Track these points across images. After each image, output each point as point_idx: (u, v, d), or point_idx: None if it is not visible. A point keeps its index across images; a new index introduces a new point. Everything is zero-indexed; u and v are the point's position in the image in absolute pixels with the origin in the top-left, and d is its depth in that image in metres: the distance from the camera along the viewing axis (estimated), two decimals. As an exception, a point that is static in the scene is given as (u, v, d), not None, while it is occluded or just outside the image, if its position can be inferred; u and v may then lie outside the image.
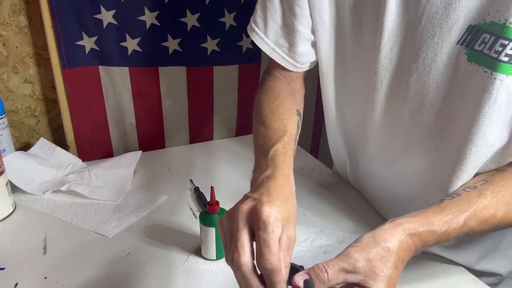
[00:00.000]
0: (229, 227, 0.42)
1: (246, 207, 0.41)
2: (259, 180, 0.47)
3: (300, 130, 0.62)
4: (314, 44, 0.65)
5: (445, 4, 0.49)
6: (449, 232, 0.46)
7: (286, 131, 0.55)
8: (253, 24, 0.66)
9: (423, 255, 0.65)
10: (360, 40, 0.61)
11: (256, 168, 0.52)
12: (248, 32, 0.67)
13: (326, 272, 0.39)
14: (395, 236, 0.43)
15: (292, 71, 0.67)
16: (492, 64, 0.47)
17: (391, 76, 0.58)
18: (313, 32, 0.64)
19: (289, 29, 0.63)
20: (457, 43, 0.50)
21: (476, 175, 0.55)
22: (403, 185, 0.66)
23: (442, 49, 0.51)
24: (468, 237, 0.49)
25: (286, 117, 0.59)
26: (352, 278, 0.40)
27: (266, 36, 0.65)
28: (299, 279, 0.39)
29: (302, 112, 0.66)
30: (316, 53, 0.67)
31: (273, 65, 0.68)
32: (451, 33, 0.49)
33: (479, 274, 0.64)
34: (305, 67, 0.68)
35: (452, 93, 0.52)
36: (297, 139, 0.60)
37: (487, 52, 0.47)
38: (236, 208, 0.42)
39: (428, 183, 0.60)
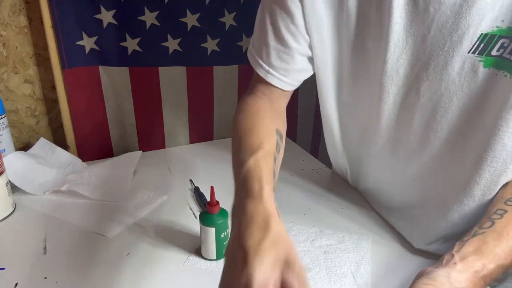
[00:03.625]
0: None
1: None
2: (234, 215, 0.46)
3: (282, 152, 0.59)
4: (311, 60, 0.63)
5: (455, 14, 0.48)
6: None
7: (261, 147, 0.52)
8: (250, 46, 0.64)
9: (422, 253, 0.65)
10: (361, 52, 0.60)
11: (234, 191, 0.50)
12: (248, 56, 0.65)
13: None
14: (471, 280, 0.43)
15: (279, 89, 0.63)
16: None
17: (399, 86, 0.58)
18: (310, 48, 0.61)
19: (285, 48, 0.60)
20: (468, 52, 0.49)
21: (505, 185, 0.54)
22: (413, 189, 0.65)
23: (453, 58, 0.50)
24: None
25: (263, 134, 0.55)
26: None
27: (260, 59, 0.62)
28: None
29: (284, 135, 0.61)
30: (313, 69, 0.65)
31: (256, 83, 0.64)
32: (462, 42, 0.49)
33: None
34: (299, 83, 0.65)
35: (468, 99, 0.52)
36: (279, 159, 0.56)
37: (507, 56, 0.47)
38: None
39: (442, 186, 0.60)
